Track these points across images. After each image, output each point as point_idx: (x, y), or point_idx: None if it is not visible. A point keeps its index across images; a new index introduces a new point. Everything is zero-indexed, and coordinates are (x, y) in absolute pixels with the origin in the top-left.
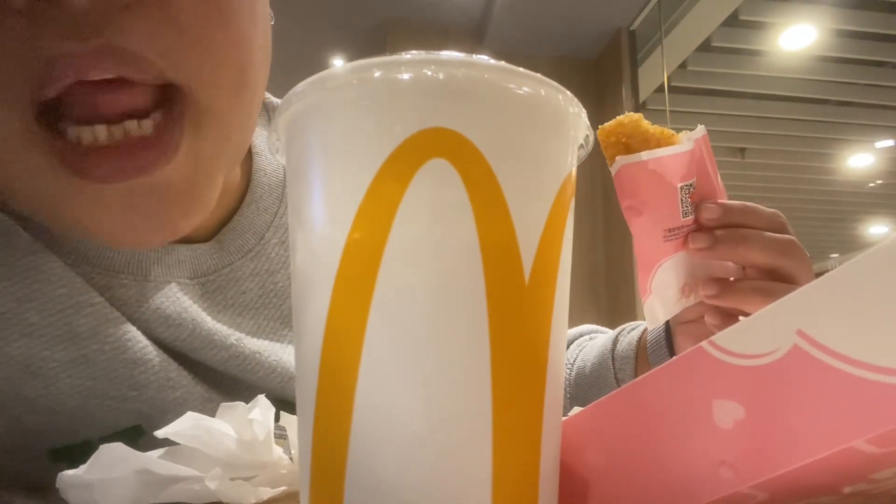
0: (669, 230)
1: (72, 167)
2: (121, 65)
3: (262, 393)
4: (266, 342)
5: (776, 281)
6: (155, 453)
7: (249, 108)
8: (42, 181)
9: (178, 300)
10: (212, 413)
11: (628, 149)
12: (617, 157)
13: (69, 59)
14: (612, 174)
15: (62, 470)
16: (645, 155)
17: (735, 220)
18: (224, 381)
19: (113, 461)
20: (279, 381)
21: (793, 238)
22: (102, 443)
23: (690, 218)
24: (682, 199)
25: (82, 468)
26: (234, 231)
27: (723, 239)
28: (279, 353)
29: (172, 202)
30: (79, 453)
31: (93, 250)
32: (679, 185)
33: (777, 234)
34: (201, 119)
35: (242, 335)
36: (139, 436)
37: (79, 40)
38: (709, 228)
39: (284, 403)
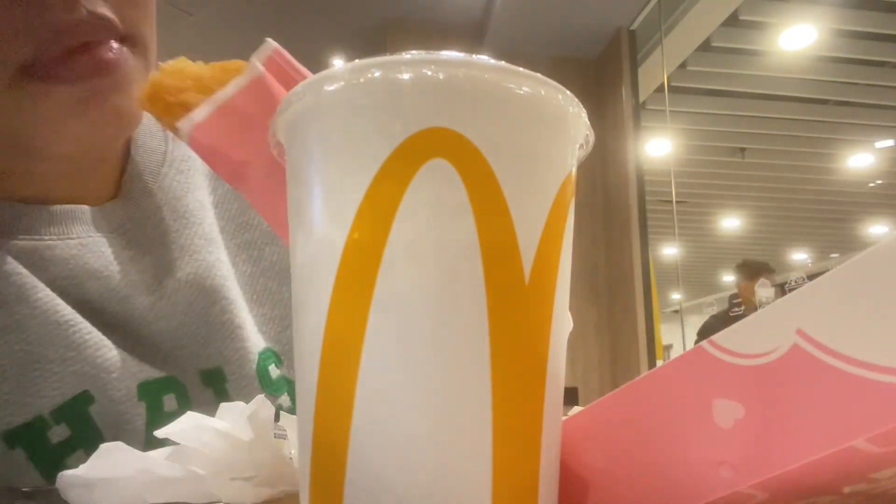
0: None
1: (59, 77)
2: (98, 31)
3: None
4: (188, 269)
5: None
6: (155, 453)
7: (155, 36)
8: (13, 108)
9: (102, 254)
10: (147, 375)
11: (187, 107)
12: (178, 125)
13: (70, 26)
14: (189, 145)
15: (20, 457)
16: (208, 107)
17: None
18: (148, 353)
19: (113, 461)
20: (204, 307)
21: None
22: (54, 416)
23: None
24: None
25: (82, 468)
26: (133, 177)
27: None
28: (201, 279)
29: (124, 104)
30: (32, 434)
31: (13, 219)
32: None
33: None
34: (133, 47)
35: (164, 275)
36: (89, 403)
37: (71, 12)
38: None
39: (212, 335)
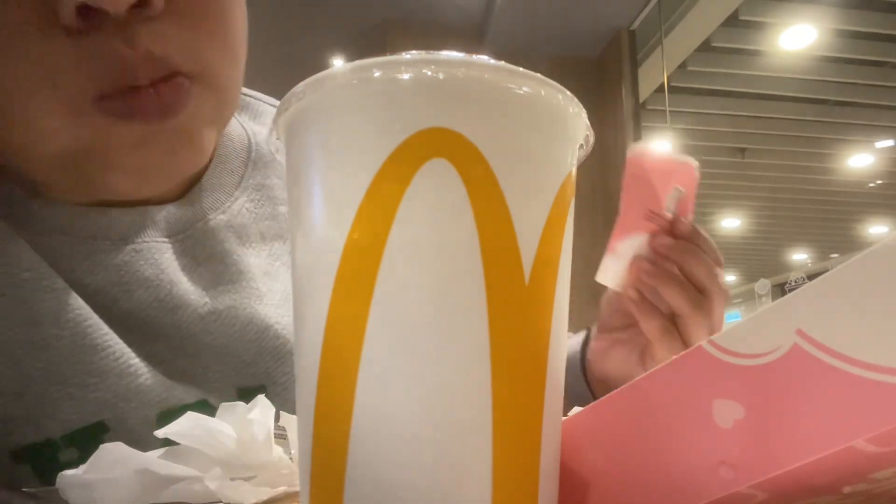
0: (651, 211)
1: (123, 114)
2: (157, 70)
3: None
4: (241, 296)
5: (673, 324)
6: (155, 453)
7: (238, 74)
8: (87, 141)
9: (155, 262)
10: (176, 401)
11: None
12: (636, 143)
13: (125, 63)
14: (628, 154)
15: (25, 472)
16: (661, 149)
17: (696, 242)
18: (179, 373)
19: (113, 461)
20: (255, 333)
21: (713, 291)
22: (65, 441)
23: (669, 216)
24: (670, 195)
25: (82, 468)
26: (205, 189)
27: (677, 252)
28: (254, 304)
29: (182, 145)
30: (41, 454)
31: (69, 221)
32: (674, 185)
33: (701, 286)
34: (204, 86)
35: (218, 293)
36: (102, 433)
37: (130, 47)
38: (676, 238)
39: (261, 356)
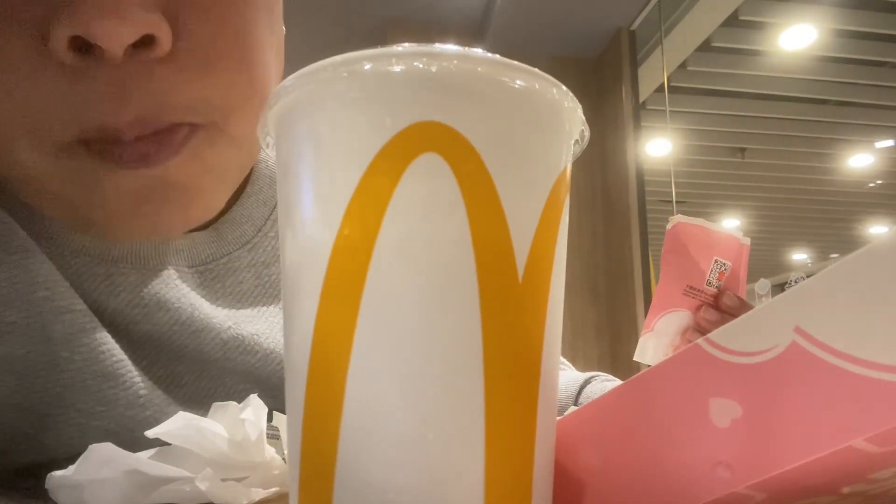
0: (690, 287)
1: (108, 158)
2: (146, 128)
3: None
4: (264, 326)
5: None
6: (145, 454)
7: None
8: (70, 180)
9: (176, 286)
10: None
11: None
12: (677, 216)
13: (109, 122)
14: (668, 228)
15: (27, 485)
16: (702, 221)
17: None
18: (201, 396)
19: (102, 462)
20: (278, 364)
21: None
22: (70, 461)
23: (713, 290)
24: (711, 269)
25: (71, 468)
26: (233, 222)
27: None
28: (278, 335)
29: (175, 199)
30: (46, 472)
31: (92, 242)
32: (715, 258)
33: None
34: (216, 138)
35: (240, 320)
36: None
37: (119, 105)
38: (722, 312)
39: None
